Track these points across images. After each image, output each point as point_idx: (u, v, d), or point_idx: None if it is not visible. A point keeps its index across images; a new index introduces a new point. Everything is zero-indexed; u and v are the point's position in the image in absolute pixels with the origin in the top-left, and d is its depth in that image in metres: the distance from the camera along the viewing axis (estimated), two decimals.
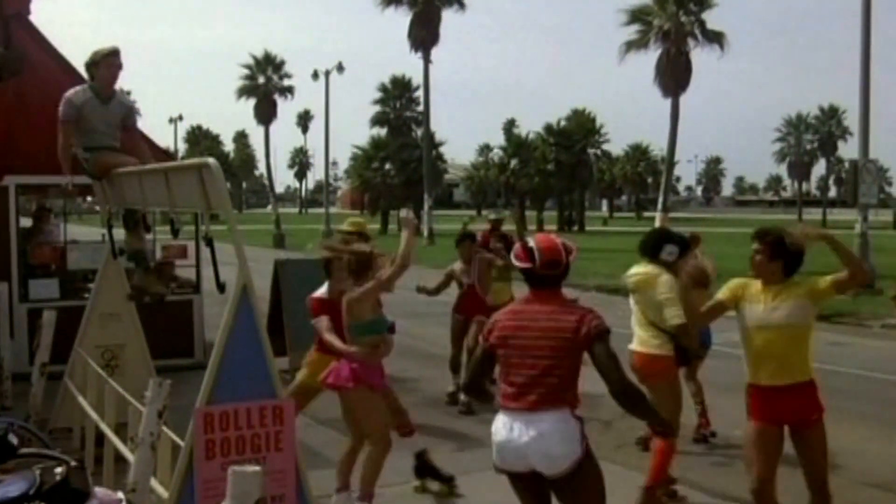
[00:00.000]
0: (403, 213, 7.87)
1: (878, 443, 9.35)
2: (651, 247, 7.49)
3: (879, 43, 24.00)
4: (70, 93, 7.64)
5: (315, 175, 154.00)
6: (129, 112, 8.07)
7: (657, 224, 34.73)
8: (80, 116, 7.53)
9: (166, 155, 14.32)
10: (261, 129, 76.80)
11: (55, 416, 8.77)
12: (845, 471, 8.27)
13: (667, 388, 7.30)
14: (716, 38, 42.26)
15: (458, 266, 11.26)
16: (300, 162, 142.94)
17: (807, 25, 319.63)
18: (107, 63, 7.66)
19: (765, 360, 5.86)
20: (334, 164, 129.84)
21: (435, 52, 52.62)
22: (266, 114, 75.93)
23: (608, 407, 10.28)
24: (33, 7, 12.20)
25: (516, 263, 4.93)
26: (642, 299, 7.45)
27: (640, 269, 7.51)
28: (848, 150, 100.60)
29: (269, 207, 73.87)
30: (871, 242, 23.34)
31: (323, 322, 7.28)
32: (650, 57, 42.40)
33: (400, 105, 74.06)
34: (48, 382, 8.23)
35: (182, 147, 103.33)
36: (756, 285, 5.99)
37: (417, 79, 62.90)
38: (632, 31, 42.82)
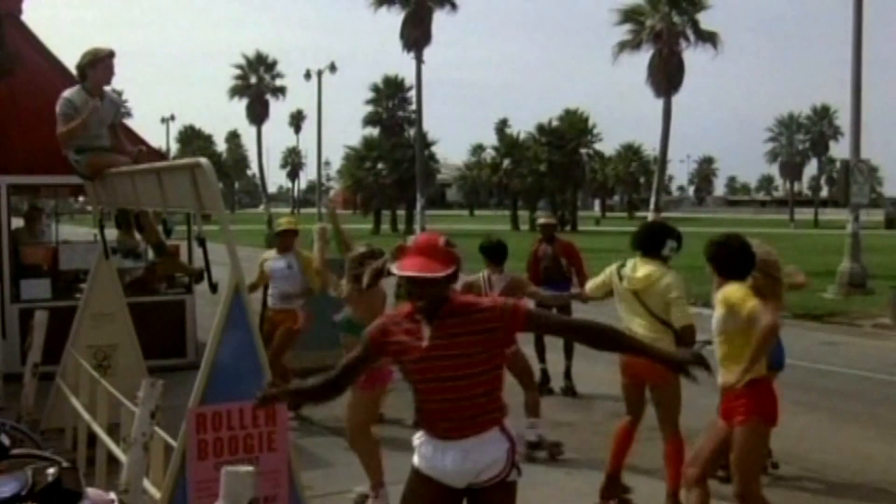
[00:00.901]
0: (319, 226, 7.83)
1: (872, 442, 9.36)
2: (651, 242, 7.20)
3: (871, 43, 24.08)
4: (67, 93, 7.59)
5: (307, 175, 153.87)
6: (118, 110, 8.06)
7: None
8: (77, 115, 7.49)
9: (159, 155, 14.28)
10: (253, 129, 77.00)
11: (47, 417, 8.74)
12: (838, 470, 8.29)
13: (672, 393, 7.01)
14: (709, 38, 42.32)
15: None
16: (292, 162, 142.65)
17: (799, 25, 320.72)
18: (105, 65, 7.62)
19: None
20: (327, 164, 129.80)
21: (427, 52, 52.66)
22: (258, 114, 75.98)
23: (601, 408, 10.34)
24: (25, 7, 12.20)
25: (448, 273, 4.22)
26: (650, 300, 7.06)
27: (645, 269, 7.10)
28: (839, 149, 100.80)
29: (262, 207, 73.90)
30: (862, 242, 23.40)
31: None
32: (643, 57, 42.50)
33: (392, 105, 74.08)
34: (40, 383, 8.20)
35: (174, 147, 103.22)
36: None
37: (410, 79, 63.17)
38: (624, 31, 42.91)
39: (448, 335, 4.14)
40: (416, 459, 4.34)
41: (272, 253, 10.31)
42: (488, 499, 4.24)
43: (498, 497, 4.25)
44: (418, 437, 4.35)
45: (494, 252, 8.81)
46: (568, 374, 11.16)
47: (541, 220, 12.07)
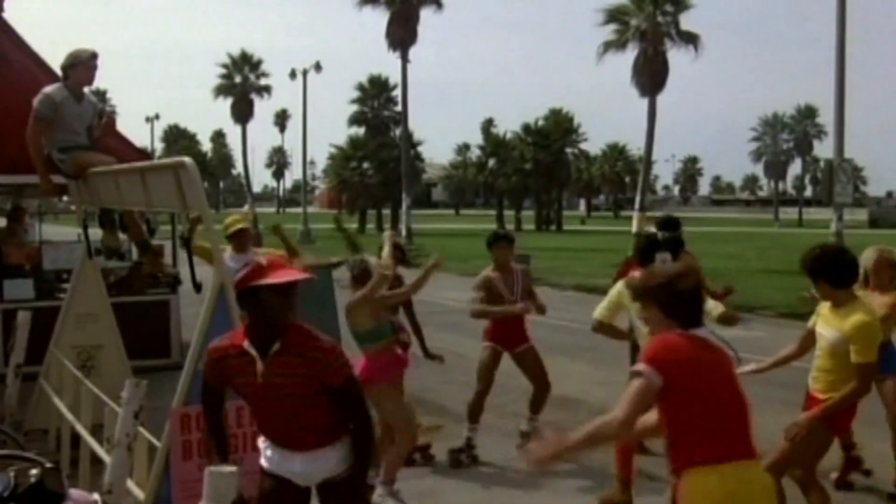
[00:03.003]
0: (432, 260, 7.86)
1: (858, 440, 9.38)
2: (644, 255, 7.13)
3: (854, 43, 24.18)
4: (48, 89, 7.60)
5: (293, 174, 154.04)
6: (97, 109, 8.05)
7: (635, 224, 34.78)
8: (56, 115, 7.49)
9: (143, 154, 14.23)
10: (238, 129, 76.80)
11: (30, 418, 8.70)
12: (824, 467, 8.28)
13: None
14: (690, 39, 42.45)
15: (493, 273, 8.59)
16: (278, 161, 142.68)
17: (783, 25, 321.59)
18: (87, 65, 7.64)
19: None
20: (312, 163, 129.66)
21: (413, 52, 52.58)
22: (243, 113, 75.81)
23: (587, 409, 10.34)
24: (7, 6, 12.13)
25: None
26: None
27: None
28: (823, 149, 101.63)
29: (247, 207, 73.71)
30: (846, 242, 23.49)
31: None
32: (627, 57, 42.57)
33: (378, 104, 74.02)
34: (23, 384, 8.17)
35: (159, 146, 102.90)
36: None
37: (395, 78, 62.95)
38: (609, 31, 42.98)
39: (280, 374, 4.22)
40: (262, 461, 4.47)
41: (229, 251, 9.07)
42: (338, 491, 4.40)
43: (347, 487, 4.40)
44: (262, 441, 4.48)
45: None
46: None
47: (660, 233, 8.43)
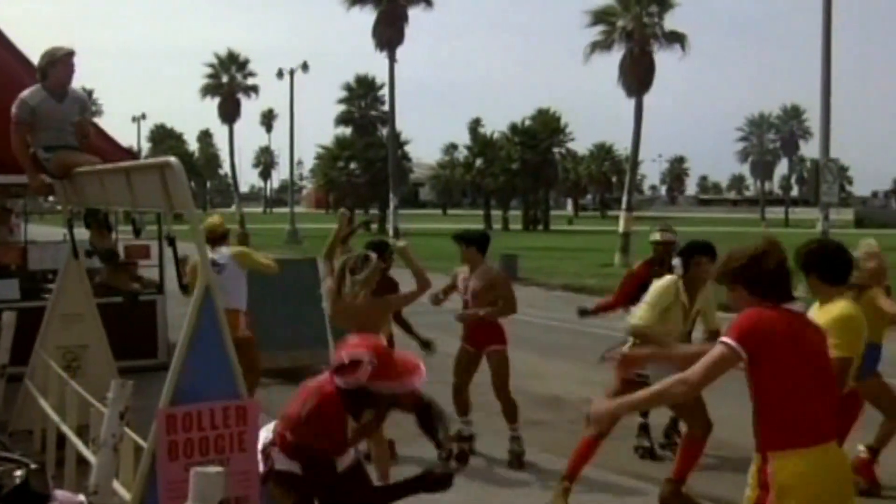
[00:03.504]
0: (400, 243, 7.70)
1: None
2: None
3: (840, 43, 24.23)
4: (24, 94, 7.54)
5: (280, 174, 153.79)
6: (84, 105, 8.01)
7: (622, 223, 34.81)
8: (35, 117, 7.44)
9: (129, 154, 14.18)
10: (225, 128, 76.63)
11: (15, 419, 8.66)
12: None
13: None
14: (676, 39, 42.51)
15: (463, 271, 8.84)
16: (265, 161, 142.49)
17: (769, 26, 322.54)
18: (63, 63, 7.59)
19: None
20: (299, 163, 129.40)
21: (400, 51, 52.63)
22: (230, 113, 75.60)
23: (574, 407, 10.35)
24: None
25: None
26: None
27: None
28: (810, 149, 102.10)
29: (234, 207, 73.61)
30: None
31: None
32: (614, 57, 42.60)
33: (365, 104, 74.09)
34: (8, 385, 8.12)
35: (145, 146, 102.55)
36: None
37: (382, 77, 63.02)
38: (595, 32, 43.01)
39: None
40: (282, 465, 4.75)
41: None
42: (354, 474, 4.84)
43: (360, 470, 4.92)
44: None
45: (474, 240, 8.77)
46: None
47: (655, 237, 9.35)
